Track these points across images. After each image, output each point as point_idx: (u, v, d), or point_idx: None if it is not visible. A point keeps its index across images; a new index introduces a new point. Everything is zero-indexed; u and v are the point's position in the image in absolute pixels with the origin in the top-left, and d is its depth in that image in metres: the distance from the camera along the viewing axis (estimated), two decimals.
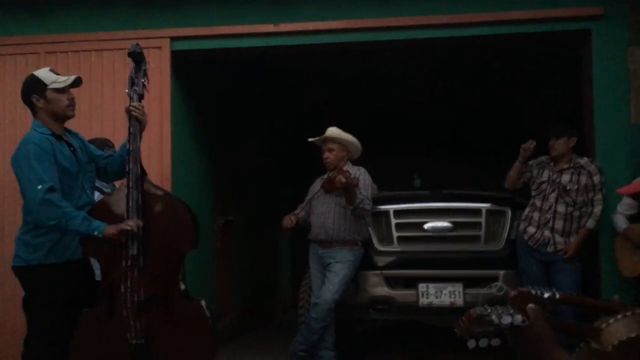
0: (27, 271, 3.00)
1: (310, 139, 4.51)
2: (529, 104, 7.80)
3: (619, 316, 1.56)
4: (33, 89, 3.05)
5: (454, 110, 7.99)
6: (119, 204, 3.03)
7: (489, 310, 1.48)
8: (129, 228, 2.89)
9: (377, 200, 4.67)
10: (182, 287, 3.14)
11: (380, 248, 4.70)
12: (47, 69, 3.14)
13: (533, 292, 1.98)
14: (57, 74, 3.11)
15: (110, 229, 2.88)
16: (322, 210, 4.44)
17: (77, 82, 3.12)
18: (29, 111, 3.14)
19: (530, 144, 4.36)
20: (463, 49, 5.77)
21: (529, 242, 4.41)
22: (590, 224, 4.29)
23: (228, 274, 6.14)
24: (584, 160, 4.37)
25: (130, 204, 2.98)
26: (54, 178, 2.90)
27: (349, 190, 4.20)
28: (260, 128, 7.52)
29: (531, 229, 4.42)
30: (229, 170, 6.15)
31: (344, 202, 4.32)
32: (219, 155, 5.84)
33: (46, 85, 3.03)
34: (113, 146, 4.07)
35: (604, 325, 1.57)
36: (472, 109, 7.96)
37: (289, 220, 4.40)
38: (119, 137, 4.11)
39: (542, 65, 6.46)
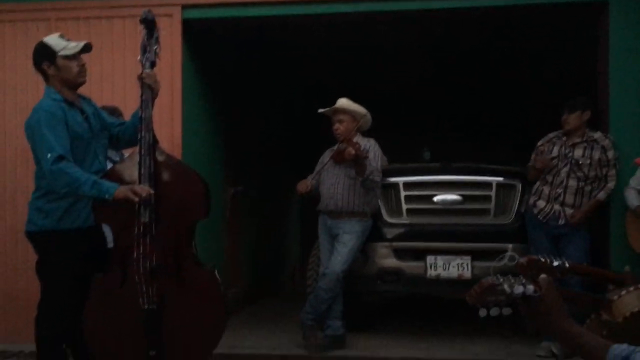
0: (40, 236, 3.04)
1: (320, 110, 4.49)
2: (538, 80, 7.69)
3: (631, 288, 1.57)
4: (43, 55, 3.05)
5: (460, 85, 7.91)
6: (131, 172, 3.04)
7: (501, 280, 1.49)
8: (137, 197, 2.87)
9: (387, 172, 4.67)
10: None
11: (390, 220, 4.71)
12: (56, 35, 3.12)
13: (542, 260, 1.99)
14: (68, 40, 3.09)
15: (120, 193, 2.88)
16: (331, 181, 4.44)
17: (86, 48, 3.11)
18: (40, 77, 3.13)
19: (544, 163, 4.34)
20: (472, 22, 5.65)
21: (539, 216, 4.39)
22: (602, 196, 4.27)
23: (237, 244, 6.18)
24: (597, 135, 4.33)
25: (142, 172, 2.99)
26: (64, 145, 2.91)
27: (358, 161, 4.19)
28: (268, 99, 7.48)
29: (541, 203, 4.40)
30: (238, 140, 6.15)
31: (353, 174, 4.32)
32: (228, 125, 5.83)
33: (56, 52, 3.02)
34: (122, 114, 4.06)
35: (615, 297, 1.58)
36: (478, 84, 7.87)
37: (303, 185, 4.41)
38: (129, 104, 4.10)
39: (552, 40, 6.33)
